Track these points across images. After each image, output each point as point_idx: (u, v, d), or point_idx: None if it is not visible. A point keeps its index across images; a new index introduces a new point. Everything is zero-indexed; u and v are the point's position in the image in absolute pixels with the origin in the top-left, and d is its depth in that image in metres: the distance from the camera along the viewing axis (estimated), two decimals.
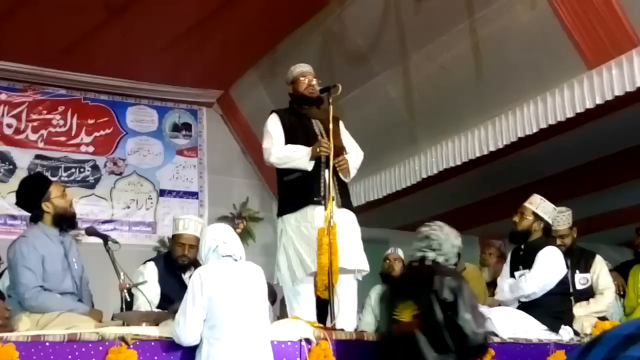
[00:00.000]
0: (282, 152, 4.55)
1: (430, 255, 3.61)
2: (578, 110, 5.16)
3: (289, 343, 3.65)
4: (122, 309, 3.94)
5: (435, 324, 3.29)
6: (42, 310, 3.73)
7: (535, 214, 4.68)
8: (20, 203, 4.16)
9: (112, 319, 4.04)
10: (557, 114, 5.30)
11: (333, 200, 4.35)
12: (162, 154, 8.26)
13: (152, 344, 3.36)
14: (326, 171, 4.39)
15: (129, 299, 3.97)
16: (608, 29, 4.86)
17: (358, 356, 3.85)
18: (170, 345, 3.35)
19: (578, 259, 5.05)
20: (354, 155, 4.72)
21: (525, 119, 5.56)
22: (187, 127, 8.49)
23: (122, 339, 3.29)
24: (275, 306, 6.74)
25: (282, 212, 4.62)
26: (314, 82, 4.66)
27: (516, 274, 4.65)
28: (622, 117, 5.61)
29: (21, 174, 7.09)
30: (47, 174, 7.08)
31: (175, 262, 4.73)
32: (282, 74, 6.96)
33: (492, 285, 5.66)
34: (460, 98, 6.08)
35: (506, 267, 4.84)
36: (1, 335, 3.15)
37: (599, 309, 4.92)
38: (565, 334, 4.46)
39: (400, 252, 6.12)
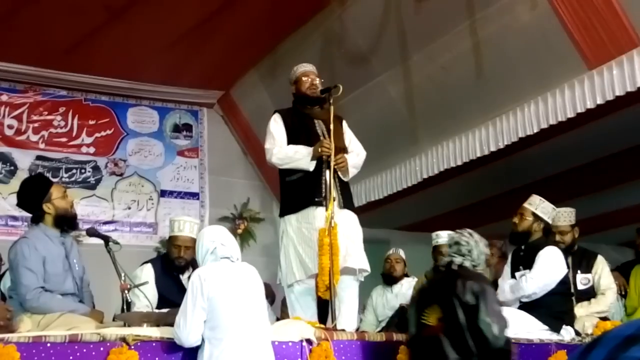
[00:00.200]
0: (284, 152, 4.55)
1: (457, 259, 3.69)
2: (579, 110, 5.16)
3: (290, 343, 3.65)
4: (123, 310, 3.94)
5: (458, 327, 3.33)
6: (43, 311, 3.73)
7: (534, 215, 4.67)
8: (21, 204, 4.16)
9: (113, 320, 4.04)
10: (558, 114, 5.30)
11: (334, 200, 4.35)
12: (163, 154, 8.27)
13: (154, 344, 3.36)
14: (327, 172, 4.39)
15: (130, 300, 3.97)
16: (608, 29, 4.86)
17: (359, 357, 3.85)
18: (171, 346, 3.35)
19: (580, 259, 5.05)
20: (355, 154, 4.71)
21: (526, 119, 5.56)
22: (187, 127, 8.50)
23: (123, 339, 3.29)
24: (276, 307, 6.75)
25: (283, 212, 4.62)
26: (316, 81, 4.66)
27: (517, 274, 4.65)
28: (622, 117, 5.61)
29: (22, 175, 7.10)
30: (48, 175, 7.14)
31: (172, 264, 4.74)
32: (283, 75, 6.98)
33: (493, 285, 5.66)
34: (461, 98, 6.08)
35: (507, 268, 4.84)
36: (2, 336, 3.15)
37: (600, 309, 4.91)
38: (567, 334, 4.46)
39: (401, 253, 6.12)
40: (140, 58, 7.15)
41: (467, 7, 5.58)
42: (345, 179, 4.61)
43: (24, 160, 7.47)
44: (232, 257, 3.42)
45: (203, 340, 3.23)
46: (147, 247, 7.51)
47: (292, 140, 4.59)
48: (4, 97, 7.54)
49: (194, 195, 8.30)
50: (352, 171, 4.65)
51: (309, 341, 3.68)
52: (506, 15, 5.40)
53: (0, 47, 6.74)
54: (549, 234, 4.78)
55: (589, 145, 6.33)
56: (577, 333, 4.50)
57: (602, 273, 4.98)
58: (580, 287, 4.95)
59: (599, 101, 5.01)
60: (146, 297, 4.27)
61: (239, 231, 8.10)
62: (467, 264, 3.69)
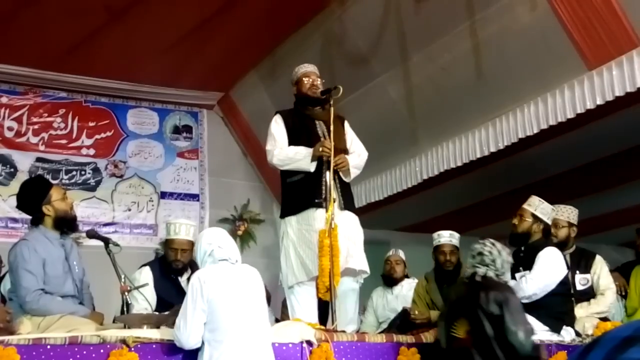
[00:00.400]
0: (284, 153, 4.55)
1: (481, 270, 3.73)
2: (579, 111, 5.15)
3: (290, 345, 3.65)
4: (123, 312, 3.94)
5: (486, 338, 3.37)
6: (43, 313, 3.73)
7: (534, 216, 4.67)
8: (21, 206, 4.16)
9: (114, 322, 4.04)
10: (558, 114, 5.30)
11: (334, 202, 4.35)
12: (163, 156, 8.27)
13: (154, 346, 3.36)
14: (327, 173, 4.39)
15: (129, 302, 3.97)
16: (608, 30, 4.86)
17: (359, 358, 3.84)
18: (171, 347, 3.35)
19: (578, 260, 5.04)
20: (356, 155, 4.70)
21: (525, 120, 5.55)
22: (187, 129, 8.50)
23: (124, 341, 3.29)
24: (276, 308, 6.74)
25: (284, 214, 4.62)
26: (317, 82, 4.66)
27: (517, 275, 4.64)
28: (622, 118, 5.61)
29: (22, 176, 7.09)
30: (48, 177, 7.13)
31: (170, 266, 4.75)
32: (283, 76, 6.98)
33: None
34: (461, 99, 6.08)
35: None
36: (2, 338, 3.15)
37: (600, 310, 4.91)
38: (567, 335, 4.45)
39: (401, 254, 6.11)
40: (140, 60, 7.15)
41: (467, 8, 5.57)
42: (346, 180, 4.61)
43: (24, 162, 7.47)
44: (231, 259, 3.42)
45: (203, 342, 3.23)
46: (147, 248, 7.49)
47: (293, 141, 4.59)
48: (4, 99, 7.53)
49: (194, 197, 8.30)
50: (354, 172, 4.65)
51: (309, 342, 3.68)
52: (506, 16, 5.40)
53: (0, 49, 6.74)
54: (549, 235, 4.77)
55: (589, 146, 6.32)
56: (578, 334, 4.50)
57: (601, 273, 4.98)
58: (579, 287, 4.94)
59: (599, 102, 5.01)
60: (146, 299, 4.27)
61: (239, 232, 8.10)
62: (491, 273, 3.73)
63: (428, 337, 4.10)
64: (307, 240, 4.41)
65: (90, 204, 7.69)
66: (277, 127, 4.66)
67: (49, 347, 3.16)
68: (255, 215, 8.44)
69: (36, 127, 7.63)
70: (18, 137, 7.53)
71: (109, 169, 7.91)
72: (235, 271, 3.40)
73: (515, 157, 6.40)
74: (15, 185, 6.40)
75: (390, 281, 6.00)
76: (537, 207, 4.69)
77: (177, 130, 8.43)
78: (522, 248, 4.73)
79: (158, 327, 3.57)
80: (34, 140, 7.59)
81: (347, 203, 4.57)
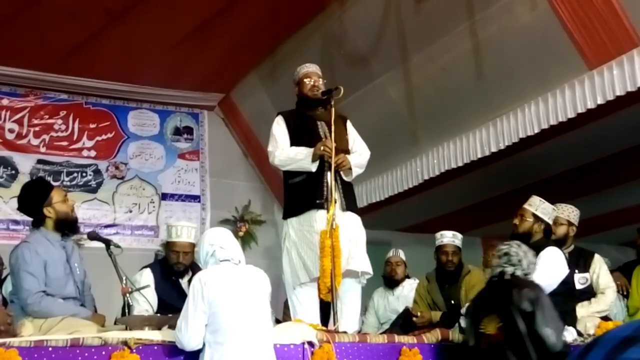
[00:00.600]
0: (286, 154, 4.56)
1: (509, 269, 3.84)
2: (579, 111, 5.15)
3: (292, 346, 3.65)
4: (124, 314, 3.95)
5: (518, 334, 3.46)
6: (45, 315, 3.73)
7: (535, 216, 4.67)
8: (22, 208, 4.16)
9: (115, 324, 4.04)
10: (559, 114, 5.30)
11: (336, 202, 4.34)
12: (164, 157, 8.28)
13: (155, 348, 3.37)
14: (328, 173, 4.39)
15: (131, 304, 3.97)
16: (608, 29, 4.85)
17: (361, 359, 3.84)
18: (172, 349, 3.35)
19: (577, 259, 5.03)
20: (358, 154, 4.69)
21: (526, 120, 5.55)
22: (188, 130, 8.50)
23: (125, 343, 3.30)
24: (277, 309, 6.74)
25: (286, 215, 4.62)
26: (318, 82, 4.64)
27: None
28: (623, 117, 5.61)
29: (23, 179, 7.11)
30: (49, 179, 7.14)
31: (172, 269, 4.74)
32: (283, 77, 6.98)
33: None
34: (462, 99, 6.08)
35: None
36: (4, 340, 3.15)
37: (601, 309, 4.90)
38: (569, 335, 4.44)
39: (401, 254, 6.11)
40: (141, 61, 7.16)
41: (467, 8, 5.57)
42: (347, 179, 4.59)
43: (25, 164, 7.47)
44: (234, 260, 3.41)
45: (204, 344, 3.23)
46: (149, 250, 7.50)
47: (294, 142, 4.59)
48: (5, 101, 7.55)
49: (195, 198, 8.30)
50: (356, 171, 4.64)
51: (310, 343, 3.68)
52: (506, 16, 5.39)
53: (1, 51, 6.74)
54: (550, 235, 4.77)
55: (590, 145, 6.32)
56: (579, 333, 4.49)
57: (600, 272, 4.97)
58: (578, 286, 4.92)
59: (600, 101, 5.01)
60: (147, 301, 4.28)
61: (240, 234, 8.10)
62: (519, 273, 3.84)
63: (430, 337, 4.10)
64: (308, 242, 4.41)
65: (91, 206, 7.69)
66: (279, 128, 4.66)
67: (50, 349, 3.17)
68: (256, 216, 8.44)
69: (37, 129, 7.63)
70: (19, 139, 7.53)
71: (110, 171, 7.91)
72: (237, 272, 3.38)
73: (516, 157, 6.40)
74: (16, 188, 6.41)
75: (391, 282, 6.00)
76: (538, 207, 4.69)
77: (177, 131, 8.44)
78: None
79: (159, 329, 3.57)
80: (35, 142, 7.59)
81: (349, 204, 4.56)
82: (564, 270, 4.47)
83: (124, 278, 3.98)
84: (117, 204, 7.86)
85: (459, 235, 5.48)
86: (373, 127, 6.33)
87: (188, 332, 3.21)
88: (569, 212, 5.09)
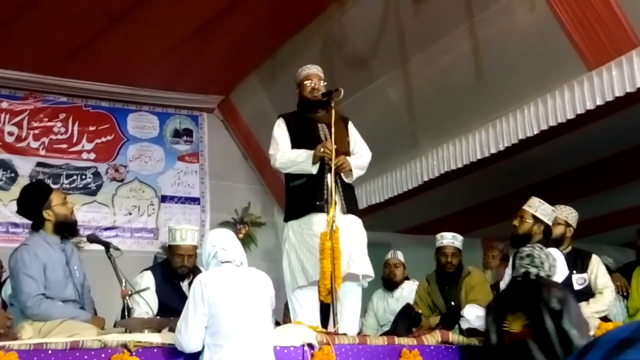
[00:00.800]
0: (286, 156, 4.55)
1: (534, 270, 3.93)
2: (578, 112, 5.15)
3: (292, 348, 3.65)
4: (123, 316, 3.94)
5: (546, 332, 3.55)
6: (44, 318, 3.73)
7: (534, 217, 4.67)
8: (21, 211, 4.16)
9: (115, 326, 4.04)
10: (558, 115, 5.30)
11: (336, 204, 4.34)
12: (164, 160, 8.27)
13: (155, 350, 3.36)
14: (329, 175, 4.38)
15: (130, 306, 3.97)
16: (607, 30, 4.85)
17: None
18: (172, 351, 3.35)
19: (574, 260, 5.03)
20: (359, 156, 4.68)
21: (525, 121, 5.55)
22: (188, 132, 8.50)
23: (125, 346, 3.30)
24: (278, 311, 6.74)
25: (287, 217, 4.62)
26: (318, 84, 4.62)
27: None
28: (622, 118, 5.61)
29: (23, 181, 7.10)
30: (49, 182, 7.14)
31: (175, 272, 4.72)
32: (283, 79, 6.99)
33: (494, 287, 5.65)
34: (461, 100, 6.08)
35: (508, 271, 4.81)
36: (3, 343, 3.15)
37: (599, 309, 4.89)
38: None
39: (400, 256, 6.10)
40: (140, 64, 7.16)
41: (466, 9, 5.58)
42: (348, 181, 4.58)
43: (25, 167, 7.47)
44: (235, 261, 3.40)
45: (203, 346, 3.22)
46: (148, 252, 7.49)
47: (295, 144, 4.58)
48: (4, 104, 7.54)
49: (195, 200, 8.30)
50: (357, 172, 4.63)
51: (310, 345, 3.67)
52: (505, 17, 5.40)
53: (0, 54, 6.74)
54: (550, 236, 4.77)
55: (589, 146, 6.32)
56: None
57: (597, 272, 4.96)
58: (576, 287, 4.92)
59: (599, 102, 5.01)
60: (147, 304, 4.27)
61: (240, 236, 8.09)
62: (543, 274, 3.93)
63: (430, 339, 4.10)
64: (308, 245, 4.40)
65: (91, 209, 7.69)
66: (280, 131, 4.65)
67: (50, 352, 3.17)
68: (256, 218, 8.44)
69: (37, 131, 7.63)
70: (18, 142, 7.53)
71: (109, 173, 7.91)
72: (238, 274, 3.38)
73: (515, 158, 6.40)
74: (16, 190, 6.39)
75: (390, 284, 5.99)
76: (538, 208, 4.69)
77: (177, 133, 8.44)
78: None
79: (159, 331, 3.57)
80: (34, 145, 7.59)
81: (350, 206, 4.55)
82: (564, 272, 4.46)
83: (123, 281, 3.97)
84: (116, 206, 7.86)
85: (459, 237, 5.48)
86: (373, 128, 6.32)
87: (188, 334, 3.21)
88: (567, 213, 5.09)
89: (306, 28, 6.73)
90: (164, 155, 8.29)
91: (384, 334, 5.26)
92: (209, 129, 8.59)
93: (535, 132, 5.50)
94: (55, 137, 7.71)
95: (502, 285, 4.88)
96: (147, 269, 4.87)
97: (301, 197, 4.52)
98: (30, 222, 4.13)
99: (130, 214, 7.91)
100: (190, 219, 7.94)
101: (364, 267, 4.48)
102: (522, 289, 3.91)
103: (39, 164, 7.56)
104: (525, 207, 4.73)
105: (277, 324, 4.94)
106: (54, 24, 6.26)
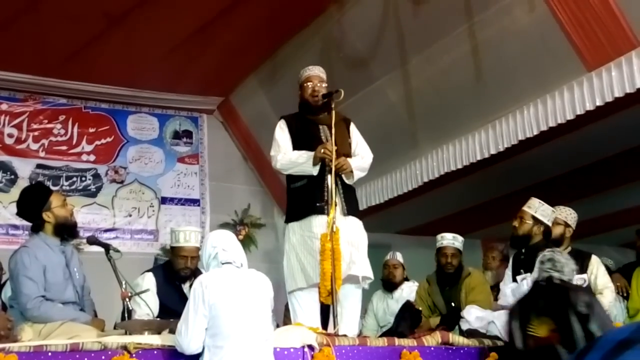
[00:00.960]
0: (287, 158, 4.55)
1: (556, 275, 3.91)
2: (578, 112, 5.15)
3: (292, 350, 3.64)
4: (123, 318, 3.94)
5: (574, 336, 3.54)
6: (44, 320, 3.72)
7: (534, 218, 4.68)
8: (20, 213, 4.15)
9: (115, 328, 4.03)
10: (558, 116, 5.30)
11: (336, 206, 4.33)
12: (163, 161, 8.27)
13: (155, 352, 3.36)
14: (329, 176, 4.38)
15: (131, 308, 3.97)
16: (607, 31, 4.86)
17: None
18: (172, 353, 3.34)
19: (574, 260, 5.03)
20: (360, 157, 4.68)
21: (525, 122, 5.55)
22: (187, 134, 8.51)
23: (125, 348, 3.29)
24: (278, 312, 6.74)
25: (288, 219, 4.62)
26: (319, 87, 4.61)
27: (518, 278, 4.65)
28: (622, 119, 5.61)
29: (23, 183, 7.10)
30: (49, 184, 7.15)
31: (177, 274, 4.71)
32: (282, 80, 6.99)
33: (494, 288, 5.66)
34: (461, 101, 6.08)
35: (508, 272, 4.84)
36: (4, 345, 3.15)
37: None
38: None
39: (399, 257, 6.10)
40: (140, 65, 7.16)
41: (466, 10, 5.58)
42: (348, 182, 4.58)
43: (25, 169, 7.47)
44: (235, 263, 3.40)
45: (203, 347, 3.22)
46: (148, 254, 7.48)
47: (297, 146, 4.58)
48: (4, 106, 7.54)
49: (195, 202, 8.30)
50: (358, 174, 4.62)
51: (310, 347, 3.67)
52: (504, 18, 5.40)
53: (0, 56, 6.74)
54: (550, 237, 4.77)
55: (589, 147, 6.32)
56: None
57: (597, 273, 4.95)
58: None
59: (598, 103, 5.01)
60: (147, 305, 4.27)
61: (240, 237, 8.09)
62: (565, 278, 3.91)
63: (430, 340, 4.10)
64: (308, 247, 4.40)
65: (90, 210, 7.69)
66: (281, 133, 4.65)
67: (50, 354, 3.16)
68: (256, 219, 8.44)
69: (36, 133, 7.63)
70: (18, 144, 7.53)
71: (109, 175, 7.91)
72: (239, 276, 3.37)
73: (515, 159, 6.40)
74: (15, 192, 6.38)
75: (390, 285, 5.99)
76: (537, 209, 4.69)
77: (177, 135, 8.44)
78: (523, 250, 4.73)
79: (159, 333, 3.57)
80: (34, 146, 7.59)
81: (351, 208, 4.55)
82: None
83: (123, 282, 3.97)
84: (116, 208, 7.85)
85: (459, 238, 5.48)
86: (372, 129, 6.31)
87: (188, 335, 3.20)
88: (567, 214, 5.09)
89: (306, 29, 6.74)
90: (164, 156, 8.29)
91: (386, 332, 5.27)
92: (208, 130, 8.59)
93: (535, 133, 5.50)
94: (55, 138, 7.71)
95: (502, 286, 4.89)
96: (148, 271, 4.87)
97: (302, 198, 4.52)
98: (30, 224, 4.13)
99: (130, 215, 7.91)
100: (190, 221, 7.94)
101: (364, 269, 4.48)
102: (547, 294, 3.88)
103: (38, 166, 7.56)
104: (524, 208, 4.73)
105: (277, 326, 4.93)
106: (53, 25, 6.26)
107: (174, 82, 7.79)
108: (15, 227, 7.11)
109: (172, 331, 3.42)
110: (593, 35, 4.94)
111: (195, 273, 4.59)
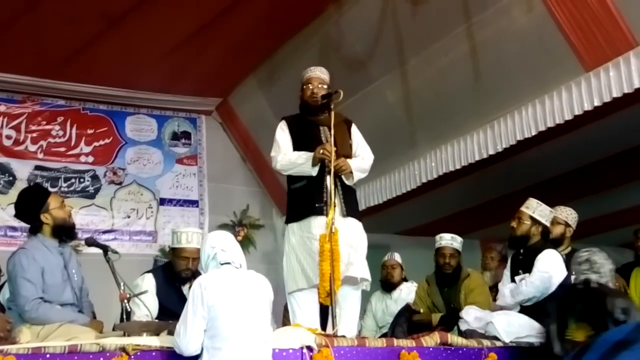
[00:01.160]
0: (287, 158, 4.55)
1: (594, 277, 3.84)
2: (576, 113, 5.16)
3: (291, 351, 3.64)
4: (122, 319, 3.93)
5: None
6: (43, 322, 3.72)
7: (532, 218, 4.68)
8: (18, 215, 4.15)
9: (113, 330, 4.03)
10: (556, 116, 5.30)
11: (336, 207, 4.33)
12: (162, 162, 8.27)
13: (153, 354, 3.35)
14: (328, 177, 4.38)
15: (129, 309, 3.96)
16: (605, 31, 4.86)
17: None
18: (171, 355, 3.34)
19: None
20: (360, 158, 4.68)
21: (523, 122, 5.56)
22: (186, 135, 8.50)
23: (123, 349, 3.28)
24: (277, 313, 6.73)
25: (288, 220, 4.62)
26: (318, 88, 4.60)
27: (516, 278, 4.65)
28: (620, 119, 5.62)
29: (21, 185, 7.10)
30: (47, 185, 7.14)
31: (178, 275, 4.70)
32: (281, 81, 6.99)
33: (493, 289, 5.66)
34: (459, 102, 6.08)
35: (507, 272, 4.84)
36: (2, 347, 3.14)
37: None
38: None
39: (397, 258, 6.10)
40: (138, 66, 7.15)
41: (464, 11, 5.58)
42: (348, 183, 4.57)
43: (23, 170, 7.46)
44: (234, 263, 3.39)
45: (202, 349, 3.21)
46: (147, 255, 7.49)
47: (297, 147, 4.58)
48: (2, 108, 7.53)
49: (194, 203, 8.30)
50: (358, 175, 4.61)
51: (309, 348, 3.67)
52: (502, 19, 5.40)
53: None
54: (548, 237, 4.77)
55: (587, 148, 6.33)
56: None
57: None
58: None
59: (596, 103, 5.01)
60: (146, 307, 4.26)
61: (239, 238, 8.08)
62: (603, 281, 3.84)
63: (429, 341, 4.10)
64: (307, 248, 4.40)
65: (89, 212, 7.68)
66: (282, 134, 4.65)
67: (48, 356, 3.15)
68: (255, 220, 8.43)
69: (34, 135, 7.63)
70: (16, 146, 7.52)
71: (107, 176, 7.90)
72: (238, 276, 3.37)
73: (513, 160, 6.41)
74: (14, 194, 6.39)
75: (388, 286, 5.99)
76: (535, 209, 4.69)
77: (175, 136, 8.43)
78: (521, 251, 4.73)
79: (157, 335, 3.57)
80: (32, 148, 7.59)
81: (350, 210, 4.54)
82: (562, 273, 4.47)
83: (121, 284, 3.97)
84: (115, 209, 7.85)
85: (458, 238, 5.48)
86: (371, 130, 6.29)
87: (187, 337, 3.20)
88: (567, 214, 5.09)
89: (304, 30, 6.74)
90: (163, 158, 8.28)
91: (383, 336, 5.27)
92: (207, 131, 8.59)
93: (533, 133, 5.51)
94: (53, 140, 7.71)
95: (500, 286, 4.89)
96: (148, 272, 4.86)
97: (301, 199, 4.52)
98: (28, 225, 4.12)
99: (129, 217, 7.90)
100: (189, 222, 7.94)
101: (362, 271, 4.47)
102: (584, 298, 3.82)
103: (37, 168, 7.55)
104: (522, 209, 4.73)
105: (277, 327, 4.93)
106: (51, 27, 6.25)
107: (172, 83, 7.79)
108: (14, 228, 7.10)
109: (171, 333, 3.42)
110: (591, 36, 4.94)
111: (196, 274, 4.58)
